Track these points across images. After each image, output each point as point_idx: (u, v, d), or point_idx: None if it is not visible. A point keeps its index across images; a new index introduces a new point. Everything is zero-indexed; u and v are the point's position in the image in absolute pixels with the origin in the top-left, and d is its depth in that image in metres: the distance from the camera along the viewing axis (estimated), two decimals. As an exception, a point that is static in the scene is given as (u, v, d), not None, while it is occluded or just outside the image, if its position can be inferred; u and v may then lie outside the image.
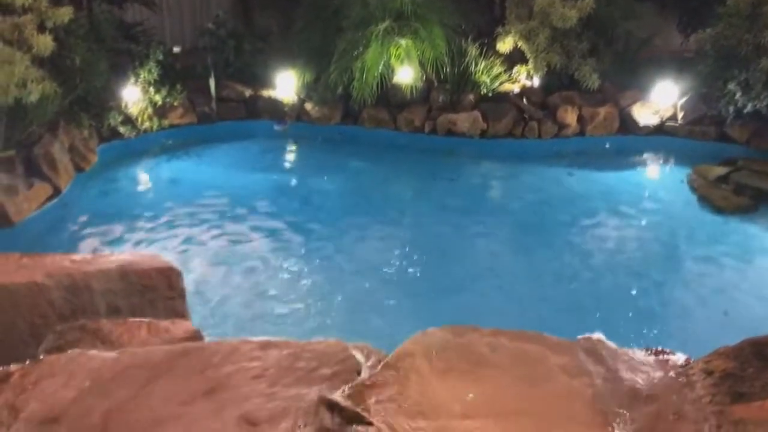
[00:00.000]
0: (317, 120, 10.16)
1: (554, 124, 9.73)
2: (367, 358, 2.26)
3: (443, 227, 7.52)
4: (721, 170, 8.43)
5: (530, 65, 9.92)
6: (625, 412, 1.93)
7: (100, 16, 8.98)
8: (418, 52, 9.40)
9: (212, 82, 10.03)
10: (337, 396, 1.89)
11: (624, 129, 9.87)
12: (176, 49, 10.93)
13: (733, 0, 8.69)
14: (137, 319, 2.87)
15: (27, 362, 2.19)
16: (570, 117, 9.69)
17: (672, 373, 2.09)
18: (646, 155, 9.68)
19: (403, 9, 9.33)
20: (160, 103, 9.58)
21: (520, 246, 7.26)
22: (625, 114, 9.84)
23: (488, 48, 10.11)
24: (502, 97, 9.99)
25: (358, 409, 1.84)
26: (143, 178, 9.01)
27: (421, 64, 9.52)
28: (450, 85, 9.92)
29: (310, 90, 10.14)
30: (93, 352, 2.30)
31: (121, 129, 9.15)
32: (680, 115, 9.64)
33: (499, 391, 2.02)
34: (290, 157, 10.27)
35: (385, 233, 7.34)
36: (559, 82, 9.96)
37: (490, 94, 9.96)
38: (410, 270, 6.52)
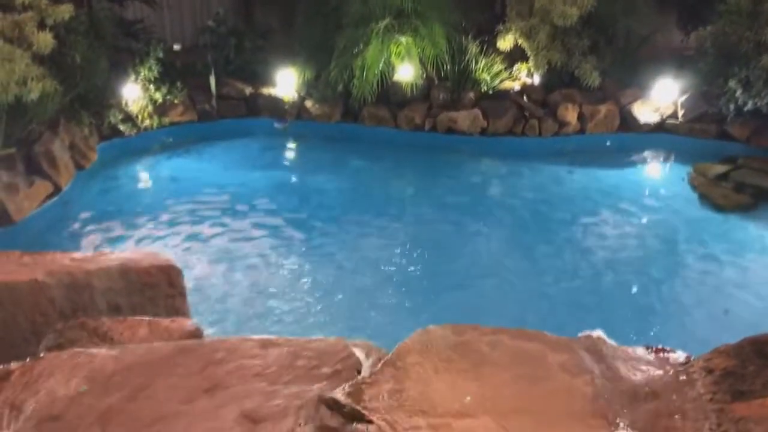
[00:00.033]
0: (317, 118, 10.16)
1: (555, 121, 9.72)
2: (368, 356, 2.26)
3: (443, 225, 7.52)
4: (721, 168, 8.43)
5: (531, 63, 9.92)
6: (625, 410, 1.93)
7: (100, 13, 8.97)
8: (419, 50, 9.39)
9: (212, 80, 10.03)
10: (338, 394, 1.89)
11: (624, 127, 9.86)
12: (176, 47, 10.92)
13: (734, -3, 8.70)
14: (138, 317, 2.88)
15: (28, 360, 2.19)
16: (570, 115, 9.68)
17: (672, 371, 2.09)
18: (646, 153, 9.68)
19: (404, 6, 9.32)
20: (160, 100, 9.58)
21: (520, 244, 7.26)
22: (625, 112, 9.83)
23: (489, 46, 10.10)
24: (503, 95, 9.98)
25: (359, 407, 1.84)
26: (143, 176, 9.01)
27: (422, 62, 9.51)
28: (450, 83, 9.91)
29: (310, 88, 10.14)
30: (93, 350, 2.30)
31: (122, 127, 9.15)
32: (681, 112, 9.64)
33: (499, 390, 2.02)
34: (290, 154, 10.27)
35: (385, 231, 7.34)
36: (560, 80, 9.96)
37: (490, 92, 9.96)
38: (410, 268, 6.52)
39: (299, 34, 10.29)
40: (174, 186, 8.53)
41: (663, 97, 9.62)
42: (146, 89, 9.46)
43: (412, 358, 2.12)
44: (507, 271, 6.58)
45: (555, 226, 7.47)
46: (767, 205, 7.73)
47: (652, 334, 5.40)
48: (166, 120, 9.68)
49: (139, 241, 6.84)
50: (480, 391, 2.00)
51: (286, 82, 10.16)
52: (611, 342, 2.28)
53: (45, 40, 7.04)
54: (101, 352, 2.27)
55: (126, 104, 9.30)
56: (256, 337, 2.38)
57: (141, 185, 8.85)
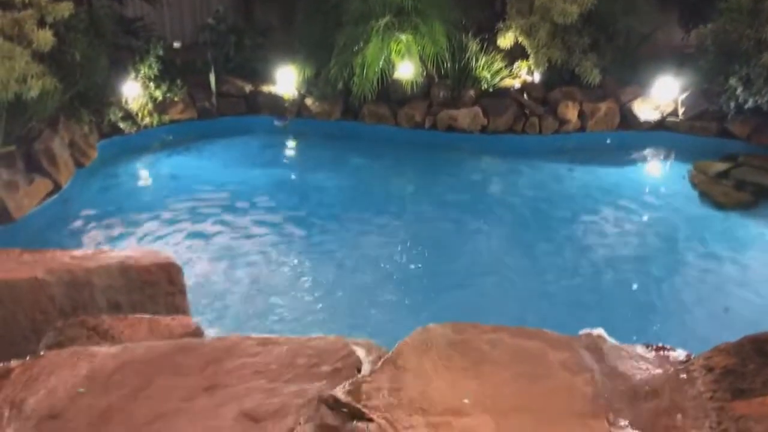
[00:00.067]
0: (317, 115, 10.15)
1: (555, 119, 9.71)
2: (368, 354, 2.26)
3: (443, 223, 7.52)
4: (721, 166, 8.43)
5: (531, 61, 9.91)
6: (625, 408, 1.93)
7: (100, 11, 8.96)
8: (419, 48, 9.38)
9: (212, 78, 10.02)
10: (338, 392, 1.89)
11: (625, 124, 9.85)
12: (176, 45, 10.92)
13: (735, -5, 8.69)
14: (138, 315, 2.87)
15: (28, 358, 2.19)
16: (571, 112, 9.68)
17: (672, 370, 2.09)
18: (646, 151, 9.67)
19: (404, 4, 9.31)
20: (160, 98, 9.58)
21: (520, 242, 7.26)
22: (626, 109, 9.82)
23: (489, 43, 10.09)
24: (503, 93, 9.97)
25: (359, 405, 1.84)
26: (143, 173, 9.01)
27: (422, 60, 9.50)
28: (450, 81, 9.91)
29: (310, 85, 10.14)
30: (94, 348, 2.30)
31: (122, 124, 9.15)
32: (681, 110, 9.63)
33: (499, 388, 2.02)
34: (290, 152, 10.27)
35: (385, 229, 7.34)
36: (560, 78, 9.95)
37: (490, 90, 9.95)
38: (410, 266, 6.53)
39: (299, 31, 10.28)
40: (174, 184, 8.53)
41: (663, 94, 9.62)
42: (146, 87, 9.46)
43: (412, 357, 2.12)
44: (507, 269, 6.58)
45: (555, 224, 7.47)
46: (768, 203, 7.74)
47: (652, 332, 5.40)
48: (166, 118, 9.67)
49: (139, 238, 6.85)
50: (480, 390, 2.00)
51: (286, 80, 10.15)
52: (612, 340, 2.28)
53: (45, 38, 7.04)
54: (101, 350, 2.27)
55: (126, 102, 9.29)
56: (256, 335, 2.38)
57: (141, 183, 8.85)
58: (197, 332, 2.74)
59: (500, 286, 6.24)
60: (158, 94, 9.54)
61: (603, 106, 9.71)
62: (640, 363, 2.15)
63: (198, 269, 6.22)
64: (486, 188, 8.91)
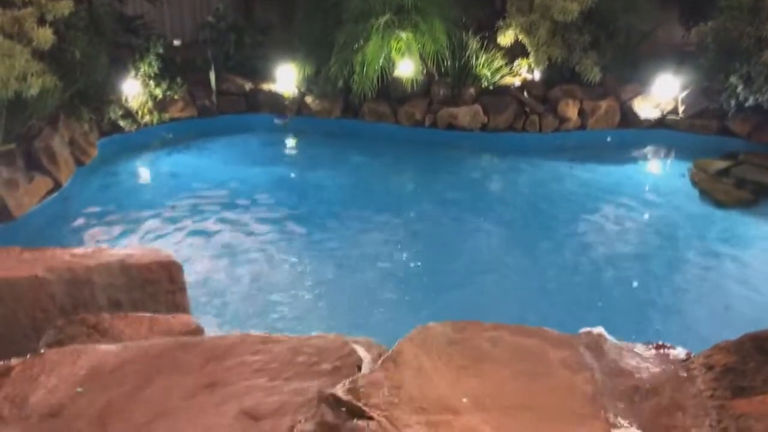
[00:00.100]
0: (318, 113, 10.16)
1: (555, 117, 9.71)
2: (368, 352, 2.26)
3: (444, 221, 7.53)
4: (722, 164, 8.43)
5: (531, 58, 9.90)
6: (625, 406, 1.93)
7: (100, 9, 8.96)
8: (419, 46, 9.38)
9: (212, 76, 10.02)
10: (338, 390, 1.89)
11: (625, 122, 9.85)
12: (176, 43, 10.92)
13: (735, -7, 8.69)
14: (138, 314, 2.87)
15: (28, 356, 2.19)
16: (571, 110, 9.68)
17: (672, 368, 2.09)
18: (647, 149, 9.67)
19: (404, 2, 9.31)
20: (160, 96, 9.58)
21: (520, 240, 7.25)
22: (626, 107, 9.82)
23: (489, 41, 10.09)
24: (503, 91, 9.97)
25: (359, 404, 1.84)
26: (144, 171, 9.02)
27: (422, 58, 9.50)
28: (451, 79, 9.90)
29: (310, 83, 10.14)
30: (94, 346, 2.30)
31: (122, 123, 9.15)
32: (681, 108, 9.63)
33: (499, 386, 2.02)
34: (290, 150, 10.27)
35: (385, 227, 7.34)
36: (560, 76, 9.95)
37: (490, 88, 9.95)
38: (410, 264, 6.52)
39: (299, 29, 10.28)
40: (174, 182, 8.53)
41: (664, 92, 9.61)
42: (146, 85, 9.46)
43: (412, 355, 2.12)
44: (507, 267, 6.58)
45: (555, 223, 7.47)
46: (768, 201, 7.74)
47: (652, 330, 5.40)
48: (166, 116, 9.68)
49: (140, 236, 6.84)
50: (480, 388, 2.00)
51: (286, 78, 10.15)
52: (612, 338, 2.27)
53: (45, 36, 7.04)
54: (102, 348, 2.27)
55: (126, 100, 9.30)
56: (256, 333, 2.38)
57: (141, 181, 8.85)
58: (197, 330, 2.74)
59: (500, 284, 6.24)
60: (158, 92, 9.54)
61: (603, 104, 9.71)
62: (640, 361, 2.15)
63: (198, 267, 6.22)
64: (486, 186, 8.91)
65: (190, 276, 4.03)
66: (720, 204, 7.69)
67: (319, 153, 9.71)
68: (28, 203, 7.02)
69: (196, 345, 2.31)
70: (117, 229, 6.99)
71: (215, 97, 10.15)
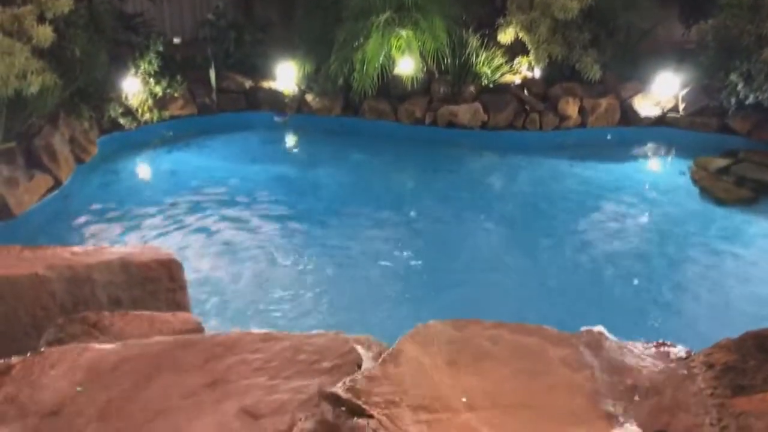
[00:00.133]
0: (318, 111, 10.15)
1: (555, 115, 9.71)
2: (368, 350, 2.26)
3: (444, 219, 7.53)
4: (722, 162, 8.42)
5: (531, 56, 9.90)
6: (625, 405, 1.94)
7: (100, 7, 8.95)
8: (419, 43, 9.37)
9: (212, 73, 10.02)
10: (338, 389, 1.89)
11: (625, 120, 9.85)
12: (176, 40, 10.91)
13: (735, -9, 8.68)
14: (139, 312, 2.87)
15: (29, 355, 2.19)
16: (571, 108, 9.67)
17: (673, 366, 2.09)
18: (647, 147, 9.67)
19: (404, 0, 9.30)
20: (160, 94, 9.58)
21: (520, 237, 7.26)
22: (626, 105, 9.82)
23: (489, 39, 10.08)
24: (503, 89, 9.97)
25: (359, 402, 1.84)
26: (144, 169, 9.02)
27: (422, 56, 9.50)
28: (451, 77, 9.90)
29: (310, 81, 10.13)
30: (94, 344, 2.30)
31: (122, 120, 9.15)
32: (681, 106, 9.63)
33: (499, 384, 2.02)
34: (290, 148, 10.27)
35: (385, 225, 7.34)
36: (561, 74, 9.94)
37: (491, 86, 9.94)
38: (410, 261, 6.52)
39: (299, 27, 10.27)
40: (174, 179, 8.54)
41: (664, 90, 9.61)
42: (146, 83, 9.46)
43: (413, 353, 2.12)
44: (507, 265, 6.59)
45: (556, 221, 7.47)
46: (768, 199, 7.74)
47: (652, 327, 5.40)
48: (166, 113, 9.67)
49: (140, 234, 6.85)
50: (480, 386, 2.00)
51: (286, 76, 10.14)
52: (612, 337, 2.27)
53: (44, 34, 7.03)
54: (102, 346, 2.27)
55: (126, 98, 9.29)
56: (256, 331, 2.38)
57: (141, 179, 8.86)
58: (198, 328, 2.74)
59: (500, 282, 6.24)
60: (158, 90, 9.54)
61: (603, 102, 9.71)
62: (641, 360, 2.15)
63: (198, 264, 6.23)
64: (486, 184, 8.91)
65: (190, 274, 4.03)
66: (720, 202, 7.69)
67: (319, 151, 9.71)
68: (28, 201, 7.02)
69: (196, 343, 2.31)
70: (117, 227, 6.99)
71: (215, 94, 10.15)
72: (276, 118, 10.22)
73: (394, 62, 9.51)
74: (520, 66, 10.25)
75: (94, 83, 8.55)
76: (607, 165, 9.06)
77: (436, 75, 9.98)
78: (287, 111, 10.23)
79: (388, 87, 9.84)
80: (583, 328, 2.32)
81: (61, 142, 7.81)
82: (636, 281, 6.20)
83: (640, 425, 1.86)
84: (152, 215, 7.26)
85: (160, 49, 9.58)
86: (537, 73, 10.10)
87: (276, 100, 10.24)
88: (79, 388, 2.02)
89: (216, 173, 8.58)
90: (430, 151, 9.49)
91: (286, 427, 1.86)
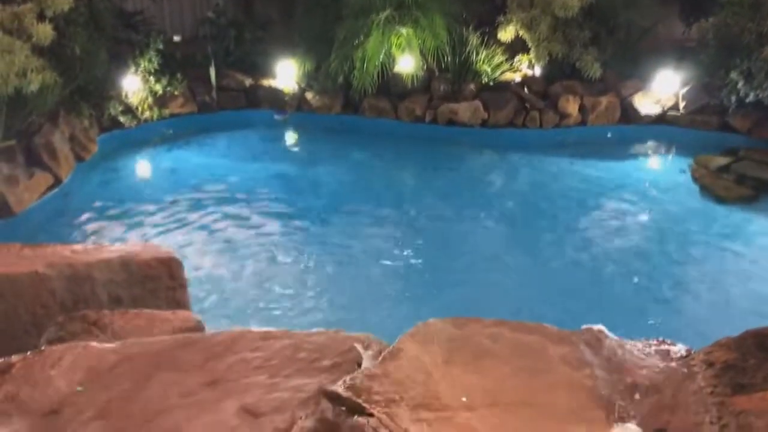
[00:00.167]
0: (318, 109, 10.14)
1: (555, 113, 9.70)
2: (368, 348, 2.26)
3: (443, 217, 7.52)
4: (722, 160, 8.42)
5: (532, 54, 9.88)
6: (625, 403, 1.94)
7: (99, 4, 8.93)
8: (419, 41, 9.37)
9: (212, 72, 10.01)
10: (338, 387, 1.89)
11: (625, 118, 9.84)
12: (176, 38, 10.90)
13: (736, -11, 8.67)
14: (139, 310, 2.88)
15: (29, 353, 2.19)
16: (571, 106, 9.66)
17: (673, 364, 2.09)
18: (647, 145, 9.66)
19: (404, -3, 9.30)
20: (160, 92, 9.57)
21: (520, 235, 7.25)
22: (626, 103, 9.81)
23: (489, 37, 10.07)
24: (504, 87, 9.96)
25: (359, 400, 1.84)
26: (144, 167, 9.01)
27: (422, 53, 9.49)
28: (451, 75, 9.89)
29: (310, 79, 10.12)
30: (94, 343, 2.30)
31: (122, 118, 9.15)
32: (682, 104, 9.62)
33: (499, 382, 2.02)
34: (290, 146, 10.27)
35: (385, 222, 7.34)
36: (561, 72, 9.93)
37: (491, 84, 9.93)
38: (410, 259, 6.52)
39: (299, 25, 10.26)
40: (174, 177, 8.53)
41: (664, 88, 9.60)
42: (146, 81, 9.45)
43: (413, 351, 2.12)
44: (508, 263, 6.58)
45: (556, 218, 7.47)
46: (768, 197, 7.73)
47: (652, 325, 5.40)
48: (167, 111, 9.67)
49: (140, 232, 6.84)
50: (481, 384, 2.00)
51: (286, 74, 10.14)
52: (612, 335, 2.28)
53: (44, 32, 7.03)
54: (102, 345, 2.27)
55: (126, 96, 9.29)
56: (256, 329, 2.39)
57: (141, 177, 8.85)
58: (198, 327, 2.74)
59: (500, 280, 6.24)
60: (158, 87, 9.53)
61: (604, 100, 9.70)
62: (641, 358, 2.15)
63: (198, 262, 6.22)
64: (486, 182, 8.89)
65: (189, 272, 4.04)
66: (720, 200, 7.69)
67: (319, 149, 9.70)
68: (28, 199, 7.02)
69: (196, 342, 2.31)
70: (117, 225, 6.99)
71: (215, 92, 10.14)
72: (276, 116, 10.21)
73: (394, 60, 9.51)
74: (521, 64, 10.25)
75: (94, 81, 8.54)
76: (608, 163, 9.05)
77: (437, 73, 9.97)
78: (287, 109, 10.23)
79: (389, 85, 9.83)
80: (584, 327, 2.32)
81: (61, 140, 7.81)
82: (636, 279, 6.20)
83: (640, 423, 1.86)
84: (152, 213, 7.26)
85: (160, 47, 9.57)
86: (537, 71, 10.09)
87: (276, 98, 10.23)
88: (79, 388, 2.02)
89: (216, 171, 8.57)
90: (430, 149, 9.49)
91: (287, 426, 1.87)
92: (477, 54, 9.85)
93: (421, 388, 1.95)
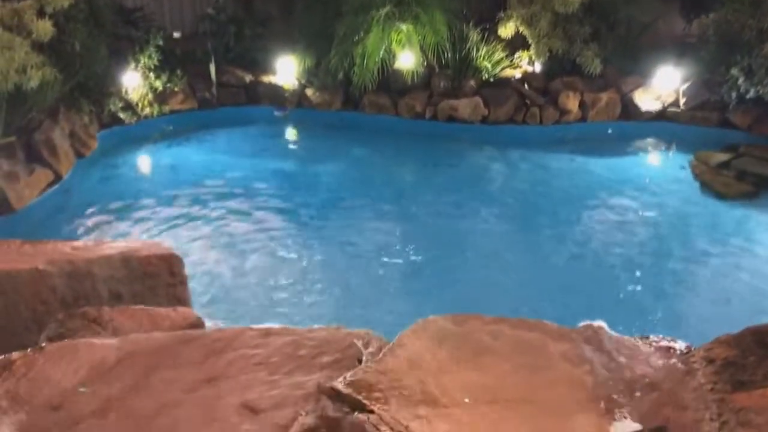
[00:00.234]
0: (318, 106, 10.13)
1: (556, 109, 9.69)
2: (369, 345, 2.26)
3: (444, 213, 7.52)
4: (722, 156, 8.42)
5: (532, 50, 9.86)
6: (625, 400, 1.94)
7: (99, 1, 8.92)
8: (419, 38, 9.35)
9: (212, 68, 10.00)
10: (339, 383, 1.90)
11: (626, 115, 9.83)
12: (176, 35, 10.88)
13: (737, -15, 8.65)
14: (139, 307, 2.88)
15: (29, 350, 2.19)
16: (572, 103, 9.65)
17: (673, 361, 2.10)
18: (648, 141, 9.65)
19: (404, -7, 9.28)
20: (160, 88, 9.56)
21: (521, 232, 7.26)
22: (627, 100, 9.80)
23: (490, 33, 10.05)
24: (504, 83, 9.93)
25: (359, 397, 1.84)
26: (144, 163, 9.01)
27: (422, 50, 9.47)
28: (451, 71, 9.87)
29: (310, 75, 10.11)
30: (95, 340, 2.30)
31: (122, 115, 9.13)
32: (682, 100, 9.61)
33: (500, 379, 2.02)
34: (291, 143, 10.26)
35: (385, 219, 7.34)
36: (561, 68, 9.91)
37: (491, 80, 9.91)
38: (411, 256, 6.52)
39: (299, 21, 10.24)
40: (174, 174, 8.53)
41: (665, 85, 9.59)
42: (146, 77, 9.44)
43: (413, 348, 2.12)
44: (508, 259, 6.59)
45: (556, 215, 7.47)
46: (769, 193, 7.73)
47: (652, 322, 5.41)
48: (167, 108, 9.65)
49: (140, 229, 6.84)
50: (481, 381, 2.00)
51: (286, 70, 10.12)
52: (612, 332, 2.28)
53: (44, 28, 7.02)
54: (102, 342, 2.27)
55: (126, 92, 9.27)
56: (257, 326, 2.39)
57: (141, 173, 8.85)
58: (198, 323, 2.75)
59: (500, 276, 6.24)
60: (158, 84, 9.52)
61: (604, 97, 9.69)
62: (641, 355, 2.15)
63: (198, 259, 6.23)
64: (486, 179, 8.89)
65: (190, 268, 4.04)
66: (721, 196, 7.69)
67: (320, 145, 9.70)
68: (28, 196, 7.02)
69: (197, 338, 2.31)
70: (117, 222, 6.99)
71: (215, 89, 10.13)
72: (276, 113, 10.20)
73: (394, 56, 9.49)
74: (521, 60, 10.23)
75: (94, 77, 8.53)
76: (608, 159, 9.05)
77: (437, 69, 9.96)
78: (287, 105, 10.21)
79: (389, 81, 9.82)
80: (584, 323, 2.33)
81: (61, 137, 7.81)
82: (636, 275, 6.20)
83: (640, 420, 1.86)
84: (152, 209, 7.26)
85: (160, 43, 9.56)
86: (537, 67, 10.08)
87: (276, 95, 10.22)
88: (82, 389, 2.02)
89: (216, 167, 8.57)
90: (431, 145, 9.48)
91: (287, 422, 1.87)
92: (477, 50, 9.83)
93: (422, 385, 1.95)
